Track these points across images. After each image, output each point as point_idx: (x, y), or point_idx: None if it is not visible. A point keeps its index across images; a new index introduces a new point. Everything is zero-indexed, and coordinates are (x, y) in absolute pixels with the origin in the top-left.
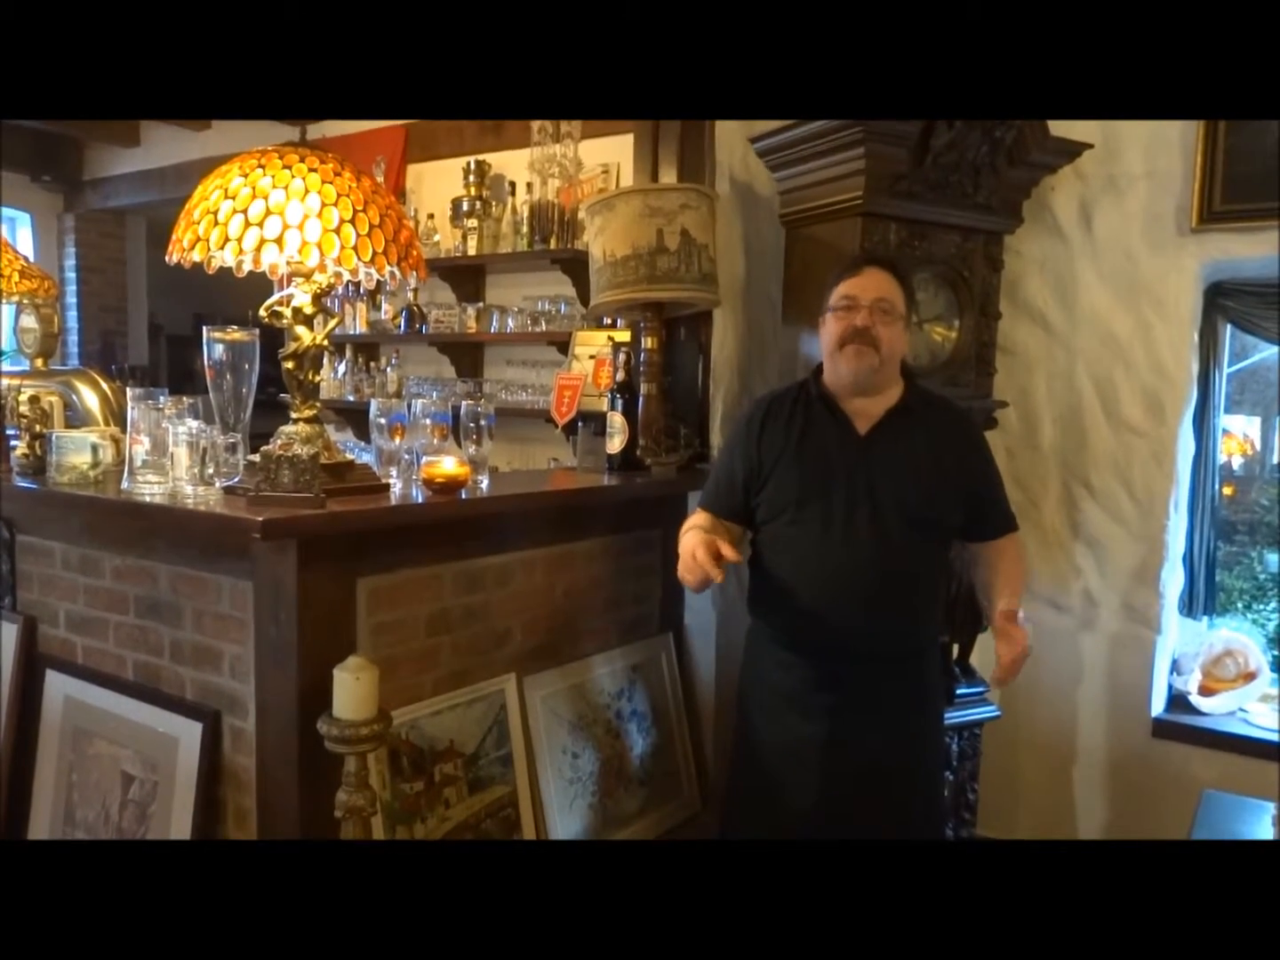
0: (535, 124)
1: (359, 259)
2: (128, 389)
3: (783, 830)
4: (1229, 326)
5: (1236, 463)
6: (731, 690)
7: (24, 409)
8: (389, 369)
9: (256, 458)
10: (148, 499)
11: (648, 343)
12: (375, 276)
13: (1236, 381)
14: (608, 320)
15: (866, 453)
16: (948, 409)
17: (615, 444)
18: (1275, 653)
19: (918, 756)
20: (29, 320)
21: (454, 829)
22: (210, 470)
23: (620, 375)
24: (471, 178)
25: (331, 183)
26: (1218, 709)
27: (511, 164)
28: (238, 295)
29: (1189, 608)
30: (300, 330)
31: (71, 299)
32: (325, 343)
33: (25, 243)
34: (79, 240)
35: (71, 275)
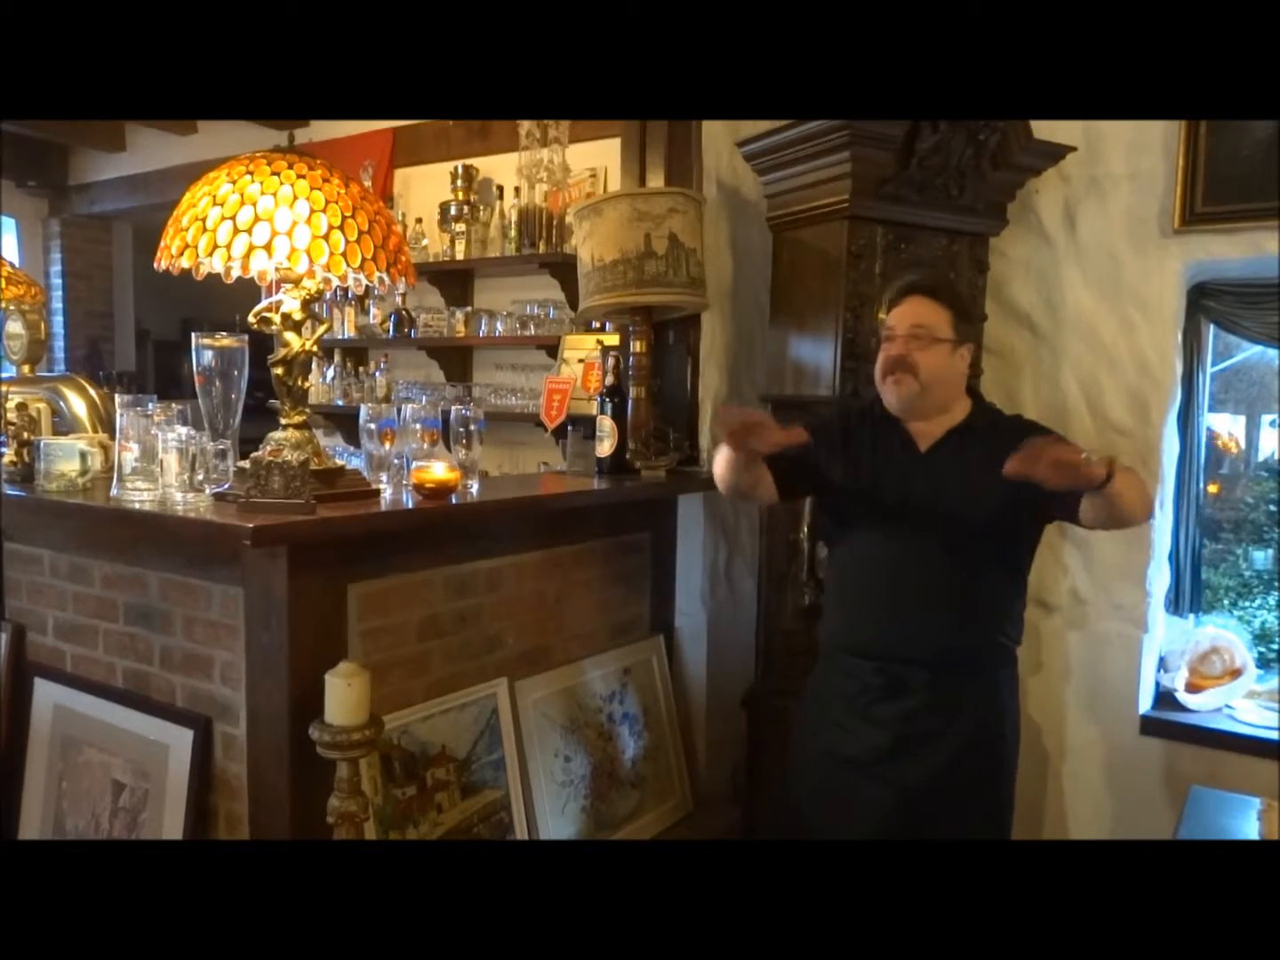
0: (523, 128)
1: (348, 265)
2: (116, 395)
3: (836, 833)
4: (1212, 326)
5: (1222, 461)
6: (722, 693)
7: (12, 416)
8: (378, 374)
9: (246, 464)
10: (137, 506)
11: (636, 346)
12: (364, 282)
13: (1221, 381)
14: (596, 324)
15: (926, 468)
16: (1014, 421)
17: (605, 448)
18: (1261, 649)
19: (990, 769)
20: (15, 326)
21: (446, 834)
22: (200, 477)
23: (609, 379)
24: (459, 182)
25: (320, 189)
26: (1204, 706)
27: (499, 168)
28: (224, 300)
29: (1175, 605)
30: (289, 336)
31: (57, 305)
32: (314, 348)
33: (10, 249)
34: (65, 246)
35: (57, 281)
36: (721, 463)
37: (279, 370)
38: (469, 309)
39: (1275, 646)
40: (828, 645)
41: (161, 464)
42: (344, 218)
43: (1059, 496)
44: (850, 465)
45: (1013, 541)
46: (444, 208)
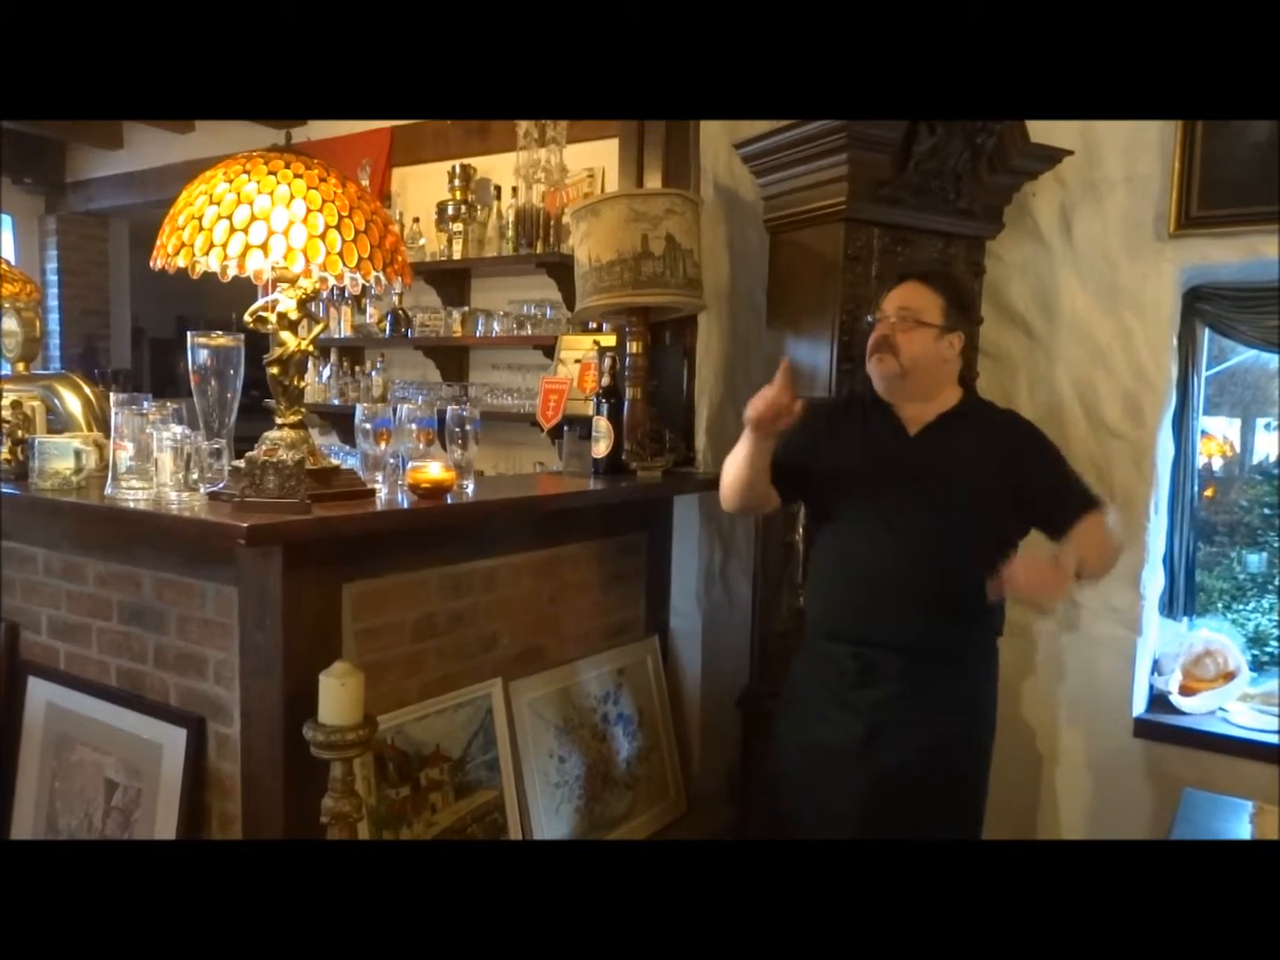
0: (521, 128)
1: (344, 265)
2: (111, 394)
3: (817, 829)
4: (1207, 330)
5: (1216, 464)
6: (717, 694)
7: (6, 414)
8: (374, 373)
9: (241, 463)
10: (131, 505)
11: (633, 347)
12: (360, 281)
13: (1215, 384)
14: (593, 324)
15: (915, 451)
16: (1008, 415)
17: (601, 448)
18: (1254, 652)
19: (968, 760)
20: (10, 324)
21: (440, 834)
22: (195, 476)
23: (606, 380)
24: (457, 182)
25: (317, 188)
26: (1198, 709)
27: (497, 168)
28: (221, 298)
29: (1169, 608)
30: (285, 335)
31: (53, 302)
32: (310, 348)
33: (6, 246)
34: (61, 243)
35: (53, 278)
36: (737, 464)
37: (274, 369)
38: (466, 309)
39: (1269, 649)
40: (809, 630)
41: (156, 463)
42: (340, 217)
43: (1047, 517)
44: (839, 447)
45: (998, 532)
46: (441, 207)
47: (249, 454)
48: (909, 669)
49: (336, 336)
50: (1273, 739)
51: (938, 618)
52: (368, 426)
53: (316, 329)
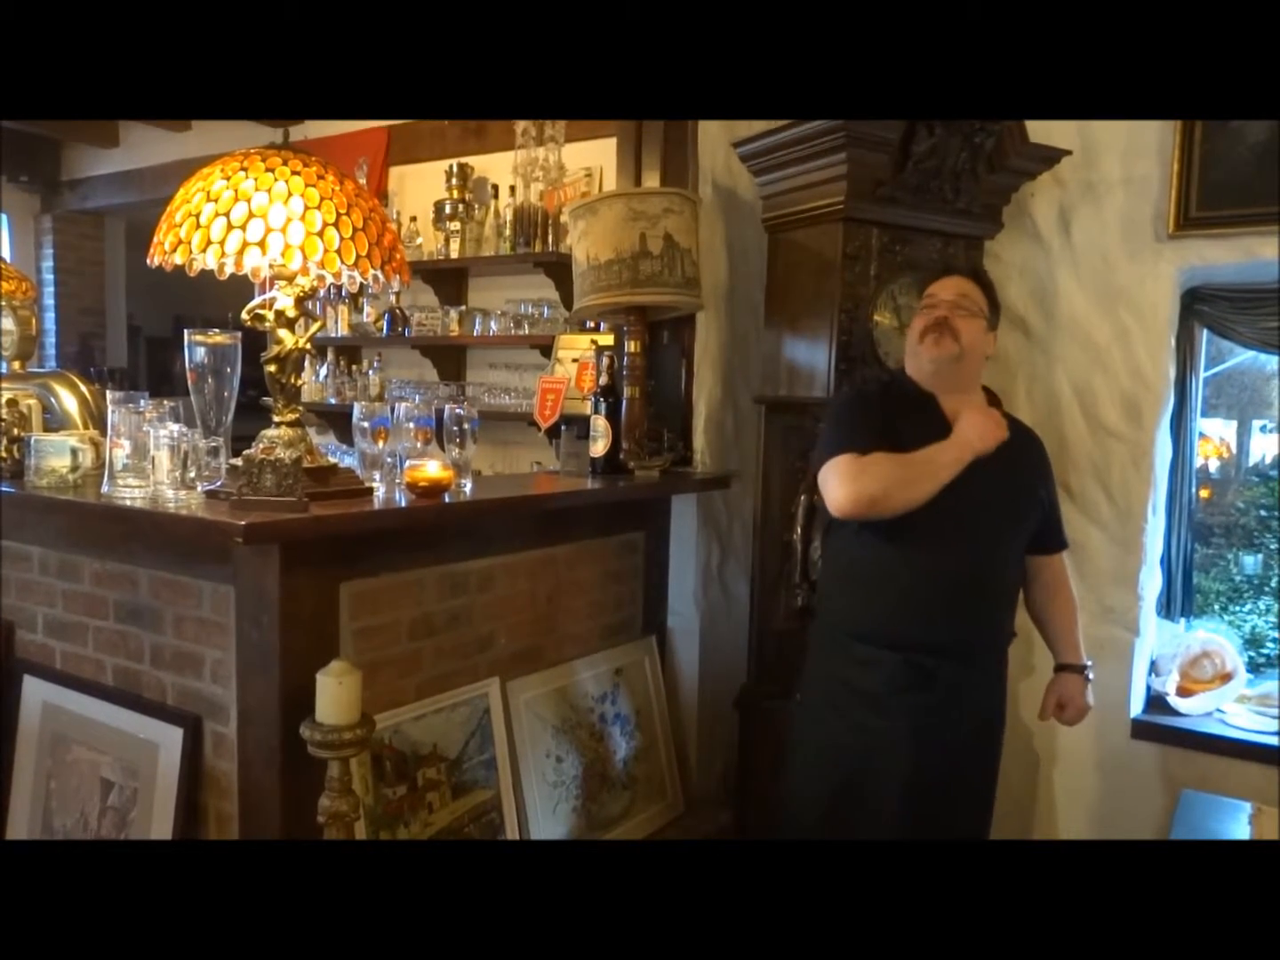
0: (518, 127)
1: (342, 263)
2: (107, 392)
3: (845, 831)
4: (1205, 331)
5: (1213, 466)
6: (714, 694)
7: (2, 412)
8: (371, 372)
9: (238, 461)
10: (128, 503)
11: (631, 346)
12: (358, 280)
13: (1213, 385)
14: (591, 324)
15: None
16: (1025, 426)
17: (598, 447)
18: (1251, 654)
19: (991, 757)
20: (6, 322)
21: (437, 834)
22: (192, 474)
23: (603, 379)
24: (454, 180)
25: (314, 186)
26: (1195, 710)
27: (494, 167)
28: (217, 297)
29: (1167, 609)
30: (282, 333)
31: (49, 301)
32: (307, 346)
33: (2, 244)
34: (57, 242)
35: (49, 277)
36: (945, 471)
37: (272, 368)
38: (463, 308)
39: (1265, 651)
40: (832, 632)
41: (153, 461)
42: (338, 215)
43: (1042, 535)
44: (903, 441)
45: (1025, 538)
46: (439, 206)
47: (246, 452)
48: (955, 671)
49: (334, 335)
50: (1270, 740)
51: (985, 620)
52: (365, 425)
53: (314, 327)
